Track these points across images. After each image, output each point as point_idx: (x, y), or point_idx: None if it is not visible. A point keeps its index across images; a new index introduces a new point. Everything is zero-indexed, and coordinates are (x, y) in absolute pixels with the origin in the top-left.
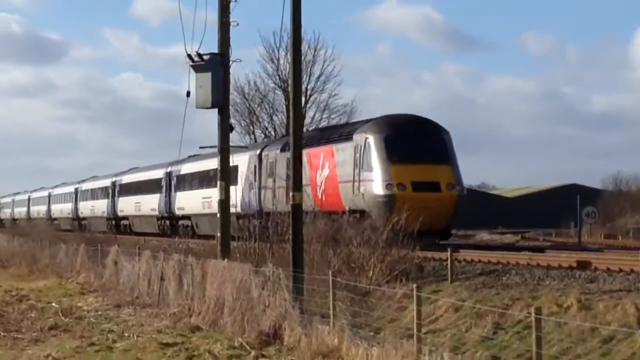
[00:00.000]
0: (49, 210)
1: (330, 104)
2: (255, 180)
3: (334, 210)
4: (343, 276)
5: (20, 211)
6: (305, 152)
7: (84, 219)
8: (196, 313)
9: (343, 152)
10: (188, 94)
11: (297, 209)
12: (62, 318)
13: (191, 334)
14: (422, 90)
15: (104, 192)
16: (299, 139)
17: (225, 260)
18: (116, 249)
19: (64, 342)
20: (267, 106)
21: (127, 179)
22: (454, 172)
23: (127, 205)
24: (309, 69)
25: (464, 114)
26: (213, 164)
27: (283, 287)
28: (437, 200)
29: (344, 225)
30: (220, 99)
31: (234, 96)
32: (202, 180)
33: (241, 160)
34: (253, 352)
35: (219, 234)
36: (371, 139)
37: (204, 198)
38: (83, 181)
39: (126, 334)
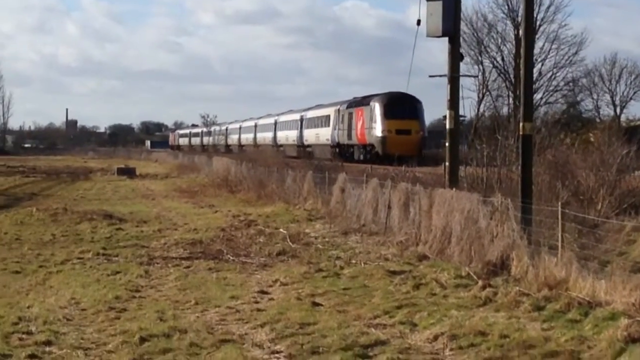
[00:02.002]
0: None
1: (560, 34)
2: (335, 124)
3: (364, 144)
4: (571, 208)
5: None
6: (355, 110)
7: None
8: (423, 242)
9: (366, 111)
10: (419, 22)
11: (526, 140)
12: (290, 244)
13: (418, 263)
14: None
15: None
16: (531, 67)
17: (454, 189)
18: (344, 177)
19: (292, 268)
20: (495, 36)
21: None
22: (420, 124)
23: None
24: None
25: None
26: (322, 112)
27: (511, 217)
28: (409, 141)
29: (571, 157)
30: (451, 28)
31: (462, 26)
32: (315, 122)
33: (331, 112)
34: (480, 282)
35: (447, 163)
36: (377, 105)
37: (315, 134)
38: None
39: (353, 261)
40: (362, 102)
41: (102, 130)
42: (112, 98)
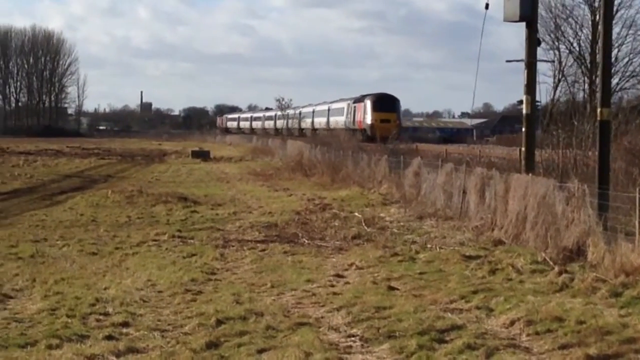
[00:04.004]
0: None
1: (637, 20)
2: (347, 114)
3: (361, 128)
4: None
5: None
6: (356, 105)
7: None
8: (498, 227)
9: (362, 106)
10: (487, 6)
11: (604, 126)
12: (365, 228)
13: (493, 248)
14: None
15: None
16: (609, 53)
17: (529, 174)
18: (418, 161)
19: (367, 252)
20: (572, 21)
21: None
22: (397, 115)
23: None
24: None
25: None
26: (340, 105)
27: (587, 203)
28: (389, 127)
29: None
30: (528, 12)
31: (539, 10)
32: (336, 112)
33: (344, 106)
34: (556, 268)
35: (523, 149)
36: (368, 102)
37: (336, 120)
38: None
39: (429, 245)
40: (361, 99)
41: (176, 113)
42: (185, 81)
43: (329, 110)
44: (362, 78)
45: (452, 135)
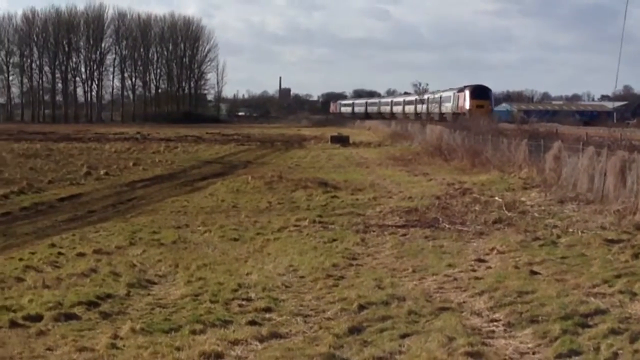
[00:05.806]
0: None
1: None
2: (453, 101)
3: (462, 112)
4: None
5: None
6: (459, 94)
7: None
8: None
9: (462, 95)
10: None
11: None
12: (506, 212)
13: (636, 232)
14: None
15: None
16: None
17: None
18: (559, 145)
19: (508, 236)
20: None
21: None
22: (490, 102)
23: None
24: None
25: None
26: (448, 94)
27: None
28: (483, 111)
29: None
30: None
31: None
32: (445, 99)
33: (451, 94)
34: None
35: None
36: (467, 92)
37: (446, 106)
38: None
39: (570, 230)
40: (462, 89)
41: (314, 98)
42: (322, 66)
43: (441, 98)
44: (499, 62)
45: (592, 118)
